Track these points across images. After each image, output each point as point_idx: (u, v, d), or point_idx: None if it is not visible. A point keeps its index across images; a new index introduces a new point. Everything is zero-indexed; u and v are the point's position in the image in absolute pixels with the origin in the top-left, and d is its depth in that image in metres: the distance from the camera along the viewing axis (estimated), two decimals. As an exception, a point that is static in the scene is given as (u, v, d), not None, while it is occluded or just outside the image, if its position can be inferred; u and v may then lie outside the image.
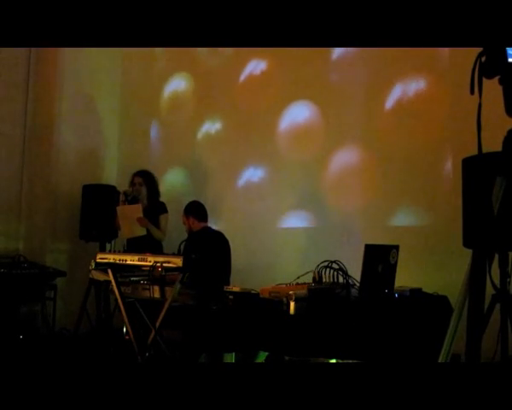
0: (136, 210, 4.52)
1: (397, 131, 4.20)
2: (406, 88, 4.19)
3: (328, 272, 3.09)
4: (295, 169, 4.75)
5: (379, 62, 4.28)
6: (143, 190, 4.72)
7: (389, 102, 4.27)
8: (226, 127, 5.27)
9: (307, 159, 4.69)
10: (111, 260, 3.23)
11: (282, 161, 4.85)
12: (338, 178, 4.53)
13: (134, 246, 4.42)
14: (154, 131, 5.88)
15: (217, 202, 5.12)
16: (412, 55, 4.06)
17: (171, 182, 5.63)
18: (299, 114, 4.78)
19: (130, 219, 4.52)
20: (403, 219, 4.12)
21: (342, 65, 4.56)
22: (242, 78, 5.17)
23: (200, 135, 5.45)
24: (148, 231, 4.55)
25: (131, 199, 4.63)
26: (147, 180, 4.75)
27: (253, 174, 5.04)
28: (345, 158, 4.49)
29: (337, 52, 4.57)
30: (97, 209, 5.05)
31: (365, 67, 4.39)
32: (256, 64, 5.08)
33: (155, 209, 4.69)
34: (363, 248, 2.86)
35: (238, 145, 5.15)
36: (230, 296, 2.99)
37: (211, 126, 5.37)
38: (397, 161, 4.19)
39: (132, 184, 4.72)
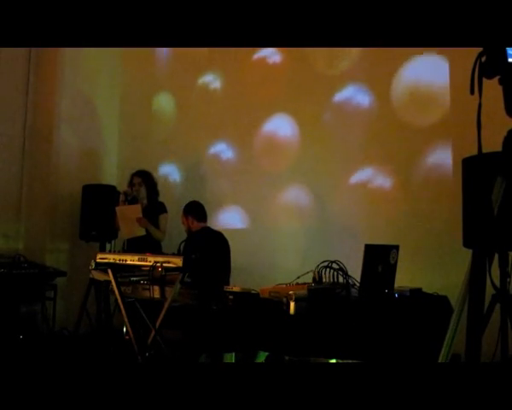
0: (136, 210, 4.52)
1: (396, 131, 4.21)
2: (406, 87, 4.19)
3: (328, 272, 3.08)
4: (295, 169, 4.76)
5: (379, 62, 4.28)
6: (143, 190, 4.72)
7: (389, 102, 4.27)
8: (226, 127, 5.27)
9: (307, 159, 4.69)
10: (111, 260, 3.23)
11: (282, 160, 4.85)
12: (338, 177, 4.53)
13: (133, 246, 4.42)
14: (153, 132, 5.88)
15: (216, 202, 5.12)
16: (412, 55, 4.07)
17: (171, 182, 5.63)
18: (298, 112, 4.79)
19: (129, 219, 4.52)
20: (403, 219, 4.12)
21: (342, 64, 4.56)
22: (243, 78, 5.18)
23: (200, 135, 5.45)
24: (147, 231, 4.55)
25: (131, 199, 4.64)
26: (146, 180, 4.76)
27: (253, 174, 5.04)
28: (345, 158, 4.49)
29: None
30: (97, 209, 5.05)
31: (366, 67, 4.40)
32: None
33: (155, 209, 4.69)
34: (363, 248, 2.87)
35: (238, 145, 5.16)
36: (230, 296, 2.98)
37: (210, 126, 5.38)
38: (397, 161, 4.19)
39: (132, 184, 4.72)
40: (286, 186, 4.81)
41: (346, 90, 4.53)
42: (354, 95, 4.48)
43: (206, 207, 4.41)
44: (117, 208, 4.57)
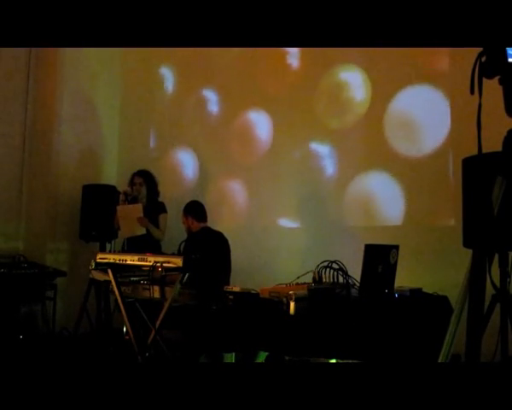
0: (137, 210, 4.52)
1: (397, 132, 4.21)
2: (406, 87, 4.19)
3: (328, 272, 3.09)
4: (295, 169, 4.76)
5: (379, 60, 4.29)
6: (143, 190, 4.73)
7: (389, 102, 4.27)
8: (225, 127, 5.27)
9: (307, 159, 4.69)
10: (111, 260, 3.23)
11: (281, 161, 4.85)
12: (338, 177, 4.53)
13: (133, 246, 4.43)
14: (153, 132, 5.88)
15: (216, 202, 5.12)
16: (412, 55, 4.07)
17: (171, 182, 5.63)
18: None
19: (130, 218, 4.52)
20: (403, 219, 4.13)
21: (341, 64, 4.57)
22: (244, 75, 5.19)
23: (200, 135, 5.45)
24: (147, 230, 4.55)
25: (131, 199, 4.64)
26: (147, 180, 4.76)
27: (252, 174, 5.04)
28: (345, 158, 4.49)
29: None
30: (97, 209, 5.05)
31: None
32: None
33: (155, 209, 4.69)
34: (363, 248, 2.86)
35: (238, 145, 5.16)
36: (230, 296, 2.98)
37: (210, 126, 5.38)
38: (397, 162, 4.19)
39: (132, 183, 4.72)
40: (286, 186, 4.81)
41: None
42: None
43: (206, 208, 4.41)
44: (118, 207, 4.58)
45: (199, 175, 5.43)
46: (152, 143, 5.87)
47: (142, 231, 4.53)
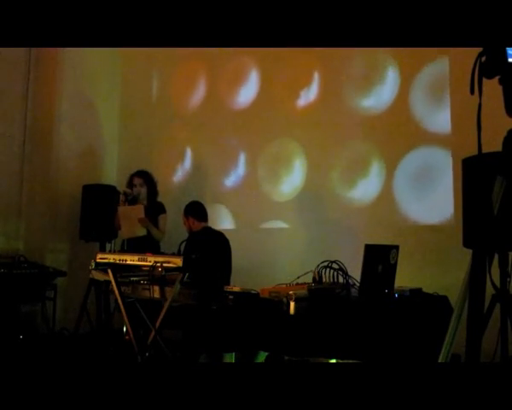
0: (139, 210, 4.52)
1: (397, 132, 4.21)
2: (406, 87, 4.19)
3: (328, 272, 3.08)
4: (295, 169, 4.75)
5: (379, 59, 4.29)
6: (143, 191, 4.72)
7: (389, 102, 4.27)
8: (224, 126, 5.27)
9: (307, 159, 4.69)
10: (111, 260, 3.22)
11: (282, 161, 4.85)
12: (338, 177, 4.53)
13: (133, 246, 4.43)
14: (153, 132, 5.88)
15: (217, 202, 5.12)
16: (412, 55, 4.07)
17: (171, 182, 5.63)
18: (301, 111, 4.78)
19: (131, 219, 4.52)
20: (403, 218, 4.12)
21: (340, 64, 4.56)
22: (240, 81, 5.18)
23: (200, 135, 5.45)
24: (147, 230, 4.55)
25: (131, 199, 4.63)
26: (147, 181, 4.76)
27: (253, 174, 5.04)
28: (346, 158, 4.49)
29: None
30: (97, 209, 5.05)
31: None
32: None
33: (154, 209, 4.69)
34: (363, 248, 2.86)
35: (238, 145, 5.16)
36: (230, 296, 2.98)
37: (211, 126, 5.37)
38: (397, 161, 4.19)
39: (133, 185, 4.71)
40: (286, 186, 4.81)
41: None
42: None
43: (207, 208, 4.41)
44: (119, 208, 4.56)
45: (199, 175, 5.43)
46: (152, 144, 5.87)
47: (143, 231, 4.53)
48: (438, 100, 4.06)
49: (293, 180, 4.77)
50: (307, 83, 4.71)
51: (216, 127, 5.33)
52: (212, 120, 5.36)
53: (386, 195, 4.24)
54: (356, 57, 4.46)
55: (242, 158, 5.13)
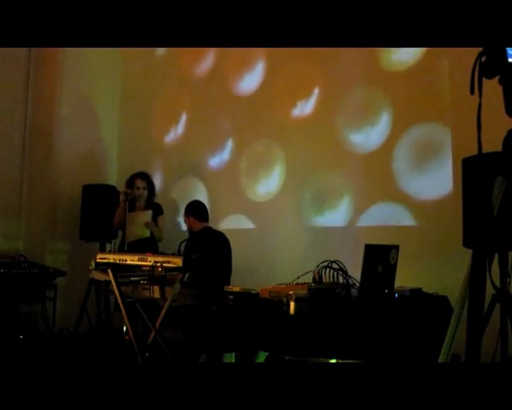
0: (147, 215, 4.66)
1: (396, 131, 4.20)
2: (406, 87, 4.19)
3: (328, 272, 3.08)
4: (295, 170, 4.76)
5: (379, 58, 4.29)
6: (145, 194, 4.80)
7: (389, 102, 4.27)
8: (224, 126, 5.27)
9: (308, 159, 4.69)
10: (111, 260, 3.22)
11: (281, 161, 4.85)
12: (338, 177, 4.53)
13: (132, 246, 4.45)
14: (153, 132, 5.88)
15: (217, 202, 5.12)
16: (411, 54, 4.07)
17: (171, 182, 5.63)
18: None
19: (138, 223, 4.61)
20: (403, 219, 4.12)
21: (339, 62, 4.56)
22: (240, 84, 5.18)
23: (200, 135, 5.45)
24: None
25: (131, 199, 4.65)
26: (149, 183, 4.85)
27: (253, 174, 5.04)
28: (346, 158, 4.49)
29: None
30: (97, 209, 5.06)
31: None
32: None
33: (154, 211, 4.75)
34: (363, 248, 2.86)
35: (237, 145, 5.16)
36: (230, 296, 2.98)
37: (210, 126, 5.37)
38: (397, 161, 4.19)
39: (134, 185, 4.74)
40: (286, 186, 4.81)
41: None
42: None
43: (207, 207, 4.41)
44: (128, 214, 4.56)
45: (199, 175, 5.43)
46: (152, 144, 5.87)
47: (147, 234, 4.65)
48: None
49: (293, 180, 4.77)
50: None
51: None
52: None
53: (387, 194, 4.23)
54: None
55: (243, 158, 5.12)
